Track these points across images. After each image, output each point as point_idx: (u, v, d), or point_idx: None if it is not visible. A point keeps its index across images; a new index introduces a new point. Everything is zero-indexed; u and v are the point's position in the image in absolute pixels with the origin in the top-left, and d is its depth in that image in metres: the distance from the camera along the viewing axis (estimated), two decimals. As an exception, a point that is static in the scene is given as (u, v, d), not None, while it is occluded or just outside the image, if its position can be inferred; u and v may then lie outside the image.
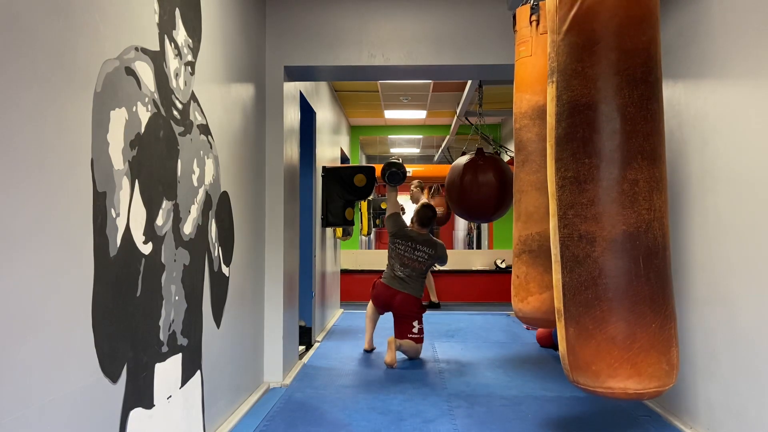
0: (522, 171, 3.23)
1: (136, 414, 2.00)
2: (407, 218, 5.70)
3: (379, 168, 5.48)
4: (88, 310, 1.70)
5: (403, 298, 4.72)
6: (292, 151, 4.28)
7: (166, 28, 2.27)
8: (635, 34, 2.25)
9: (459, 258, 9.31)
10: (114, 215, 1.83)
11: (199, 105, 2.61)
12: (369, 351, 4.98)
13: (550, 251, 3.03)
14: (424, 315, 4.96)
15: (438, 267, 4.77)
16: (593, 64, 2.27)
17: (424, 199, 7.48)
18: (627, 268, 2.22)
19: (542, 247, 3.08)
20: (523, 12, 3.23)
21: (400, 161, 5.03)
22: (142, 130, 2.03)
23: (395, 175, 4.95)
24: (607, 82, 2.26)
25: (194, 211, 2.53)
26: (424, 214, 4.93)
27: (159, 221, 2.16)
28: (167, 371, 2.25)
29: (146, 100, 2.07)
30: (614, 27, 2.25)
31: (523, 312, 3.16)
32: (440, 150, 10.65)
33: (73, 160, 1.63)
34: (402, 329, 4.71)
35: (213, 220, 2.78)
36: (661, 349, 2.21)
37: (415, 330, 4.69)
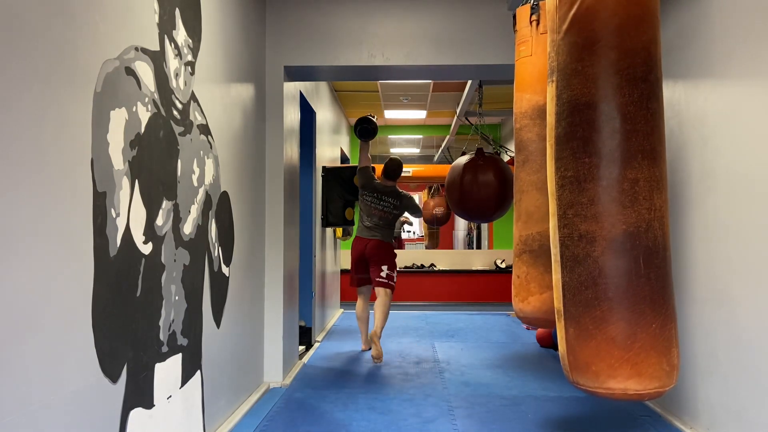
0: (522, 171, 3.23)
1: (136, 414, 2.00)
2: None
3: (379, 168, 5.51)
4: (88, 310, 1.70)
5: (373, 244, 4.93)
6: (292, 151, 4.28)
7: (166, 28, 2.27)
8: (635, 33, 2.25)
9: (459, 258, 9.31)
10: (114, 215, 1.83)
11: (199, 105, 2.61)
12: (367, 350, 5.02)
13: (550, 251, 3.04)
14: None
15: (410, 219, 4.99)
16: (593, 63, 2.27)
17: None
18: (627, 267, 2.21)
19: (543, 247, 3.07)
20: (523, 12, 3.23)
21: (373, 117, 5.19)
22: (142, 130, 2.03)
23: (366, 130, 5.15)
24: (607, 81, 2.25)
25: (194, 211, 2.53)
26: (389, 166, 5.09)
27: (159, 221, 2.16)
28: (167, 371, 2.25)
29: (146, 100, 2.07)
30: (614, 26, 2.25)
31: (524, 312, 3.16)
32: (440, 150, 10.65)
33: (73, 160, 1.63)
34: (372, 273, 4.91)
35: (213, 220, 2.78)
36: (661, 350, 2.21)
37: (383, 274, 4.86)
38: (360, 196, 5.05)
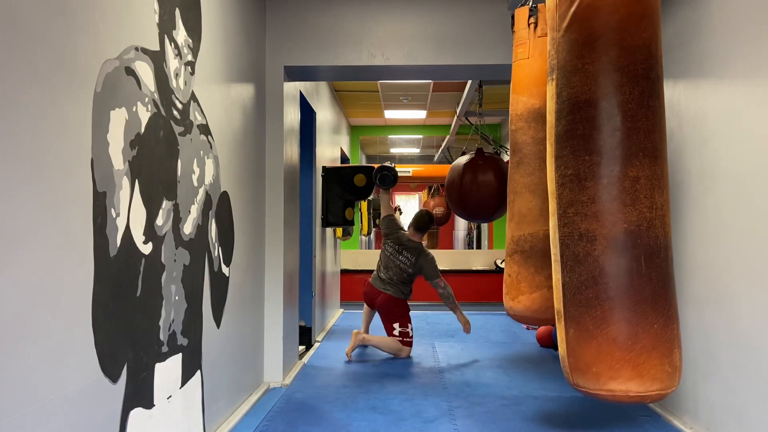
0: (516, 173, 3.24)
1: (136, 414, 2.00)
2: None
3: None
4: (88, 310, 1.70)
5: (383, 298, 4.83)
6: (292, 151, 4.28)
7: (166, 28, 2.26)
8: (636, 30, 2.25)
9: (459, 258, 9.31)
10: (114, 215, 1.83)
11: (199, 105, 2.61)
12: (360, 335, 5.04)
13: (541, 252, 3.07)
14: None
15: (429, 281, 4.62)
16: (593, 60, 2.26)
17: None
18: (628, 267, 2.20)
19: (534, 248, 3.13)
20: (522, 13, 3.23)
21: (392, 165, 5.15)
22: (142, 130, 2.03)
23: (386, 178, 5.10)
24: (607, 79, 2.25)
25: (194, 211, 2.53)
26: (420, 219, 4.99)
27: (159, 221, 2.16)
28: (167, 371, 2.25)
29: (146, 100, 2.07)
30: (615, 23, 2.24)
31: (514, 310, 3.22)
32: (440, 150, 10.65)
33: (73, 160, 1.63)
34: (385, 329, 4.85)
35: (213, 220, 2.77)
36: (663, 351, 2.19)
37: (396, 332, 4.78)
38: (383, 243, 4.98)
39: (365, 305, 5.17)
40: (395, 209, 5.54)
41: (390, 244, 4.89)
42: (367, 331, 5.12)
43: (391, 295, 4.82)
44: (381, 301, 4.84)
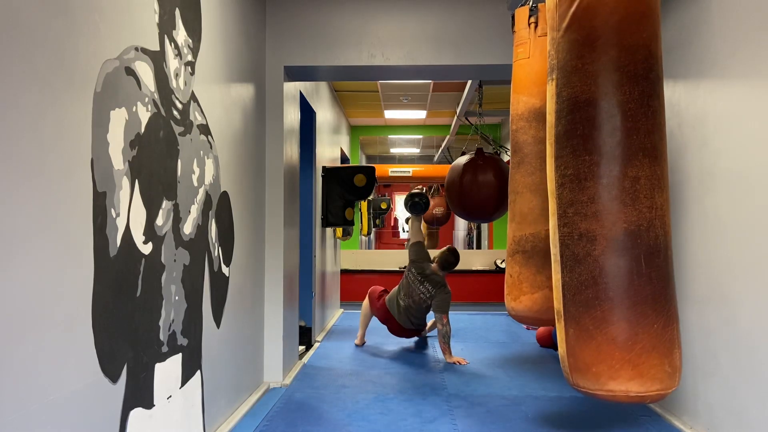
0: (517, 173, 3.24)
1: (136, 414, 2.00)
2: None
3: (379, 168, 5.52)
4: (88, 310, 1.70)
5: (394, 325, 4.99)
6: (292, 151, 4.28)
7: (166, 28, 2.26)
8: (636, 30, 2.25)
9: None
10: (114, 215, 1.83)
11: (199, 105, 2.61)
12: (360, 345, 5.16)
13: (542, 252, 3.06)
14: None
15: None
16: (593, 60, 2.26)
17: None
18: (628, 267, 2.20)
19: (535, 248, 3.13)
20: (522, 13, 3.23)
21: (423, 191, 5.22)
22: (142, 130, 2.03)
23: (417, 206, 5.21)
24: (607, 79, 2.25)
25: (194, 211, 2.53)
26: (446, 259, 4.98)
27: (159, 221, 2.16)
28: (167, 371, 2.25)
29: (146, 100, 2.07)
30: (614, 23, 2.24)
31: (515, 311, 3.22)
32: (440, 150, 10.65)
33: (73, 160, 1.63)
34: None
35: (213, 220, 2.77)
36: (663, 351, 2.19)
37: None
38: (407, 268, 4.99)
39: (364, 309, 5.18)
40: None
41: (413, 272, 4.91)
42: (363, 333, 5.18)
43: (403, 325, 4.96)
44: (392, 327, 5.01)
